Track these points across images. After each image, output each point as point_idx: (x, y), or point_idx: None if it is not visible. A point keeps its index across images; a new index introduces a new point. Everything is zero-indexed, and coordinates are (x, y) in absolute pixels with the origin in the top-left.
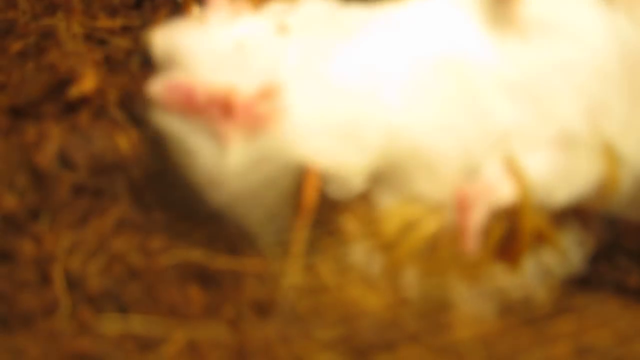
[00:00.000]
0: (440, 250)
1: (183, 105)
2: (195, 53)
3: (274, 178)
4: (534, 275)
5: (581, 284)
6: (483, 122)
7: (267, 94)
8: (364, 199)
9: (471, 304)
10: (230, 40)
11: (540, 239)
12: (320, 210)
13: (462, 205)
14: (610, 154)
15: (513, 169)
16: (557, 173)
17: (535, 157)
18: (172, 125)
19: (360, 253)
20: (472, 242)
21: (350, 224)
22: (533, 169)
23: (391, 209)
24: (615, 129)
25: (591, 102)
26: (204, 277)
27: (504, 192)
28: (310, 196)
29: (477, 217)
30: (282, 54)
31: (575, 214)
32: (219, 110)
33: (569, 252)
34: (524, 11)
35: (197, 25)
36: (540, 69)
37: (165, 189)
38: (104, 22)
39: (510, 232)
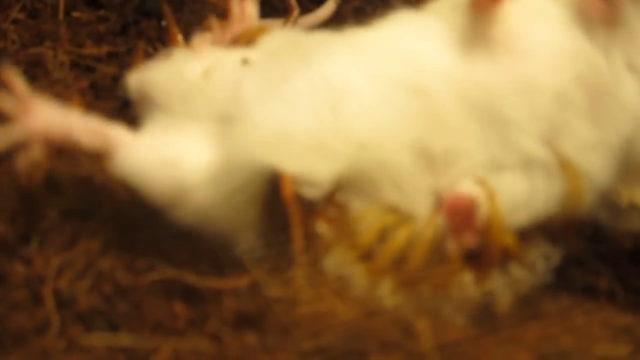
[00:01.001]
0: (412, 261)
1: None
2: (165, 85)
3: (242, 188)
4: (501, 286)
5: (550, 290)
6: (445, 140)
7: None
8: (337, 206)
9: (441, 313)
10: (197, 70)
11: (508, 253)
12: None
13: (457, 206)
14: (572, 173)
15: (484, 187)
16: (519, 195)
17: (498, 179)
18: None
19: (335, 263)
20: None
21: (325, 224)
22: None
23: (366, 218)
24: (577, 149)
25: (551, 124)
26: (188, 293)
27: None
28: (290, 197)
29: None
30: (246, 76)
31: (541, 229)
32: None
33: (535, 264)
34: (492, 29)
35: (167, 62)
36: (502, 90)
37: (150, 210)
38: (90, 49)
39: (480, 247)
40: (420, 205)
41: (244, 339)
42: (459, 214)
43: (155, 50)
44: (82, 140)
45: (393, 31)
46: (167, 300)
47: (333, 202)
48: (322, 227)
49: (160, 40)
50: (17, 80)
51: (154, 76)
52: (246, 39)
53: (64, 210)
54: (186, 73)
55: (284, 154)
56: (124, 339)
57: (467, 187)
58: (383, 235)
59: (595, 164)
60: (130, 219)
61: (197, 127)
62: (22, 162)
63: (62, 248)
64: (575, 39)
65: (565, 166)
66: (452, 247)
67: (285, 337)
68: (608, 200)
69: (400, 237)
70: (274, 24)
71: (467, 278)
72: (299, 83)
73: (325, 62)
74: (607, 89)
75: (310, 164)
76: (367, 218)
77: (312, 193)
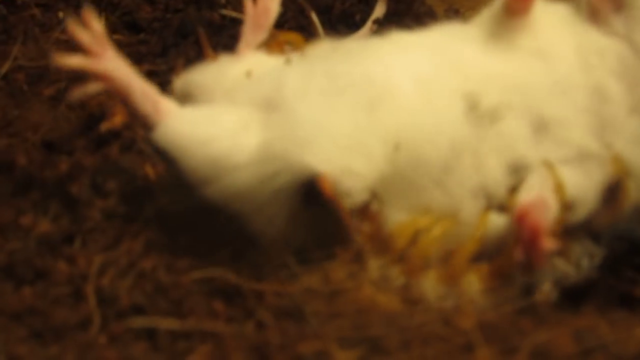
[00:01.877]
0: (453, 257)
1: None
2: (209, 84)
3: (285, 189)
4: (545, 277)
5: (590, 291)
6: (494, 141)
7: None
8: (372, 217)
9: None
10: (239, 70)
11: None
12: (332, 219)
13: (525, 215)
14: (621, 167)
15: (556, 183)
16: (579, 190)
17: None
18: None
19: (375, 268)
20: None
21: (361, 238)
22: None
23: (401, 222)
24: (625, 142)
25: (598, 118)
26: (228, 292)
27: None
28: (330, 191)
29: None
30: (286, 76)
31: (586, 228)
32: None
33: (580, 261)
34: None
35: (212, 64)
36: (543, 91)
37: (190, 213)
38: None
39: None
40: (464, 202)
41: (285, 327)
42: (528, 227)
43: None
44: (136, 99)
45: (437, 36)
46: (208, 299)
47: (368, 212)
48: (358, 239)
49: (199, 60)
50: (95, 22)
51: (199, 76)
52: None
53: (107, 212)
54: (229, 72)
55: (322, 152)
56: (164, 335)
57: (535, 192)
58: (418, 235)
59: None
60: (172, 221)
61: (243, 112)
62: (77, 94)
63: (104, 248)
64: (597, 35)
65: (614, 161)
66: (518, 255)
67: (325, 326)
68: None
69: (433, 236)
70: None
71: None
72: (340, 80)
73: (367, 60)
74: None
75: (347, 165)
76: (404, 223)
77: (348, 202)
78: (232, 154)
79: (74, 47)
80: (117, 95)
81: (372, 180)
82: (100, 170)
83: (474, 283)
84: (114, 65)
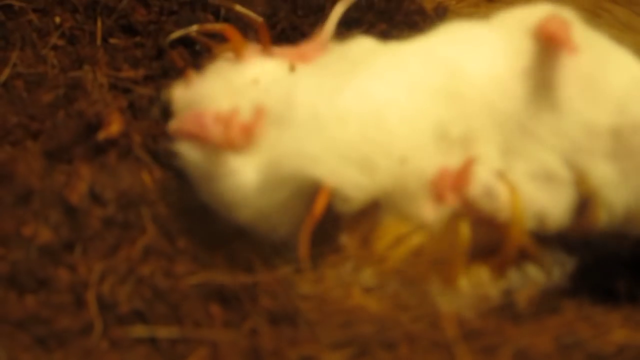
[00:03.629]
0: (424, 260)
1: (194, 132)
2: (214, 94)
3: (289, 200)
4: (518, 284)
5: (570, 289)
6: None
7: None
8: (366, 218)
9: (456, 307)
10: (246, 78)
11: (525, 253)
12: (327, 226)
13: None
14: (589, 190)
15: (507, 184)
16: (538, 204)
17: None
18: (191, 155)
19: (354, 267)
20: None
21: (349, 241)
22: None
23: (385, 227)
24: (599, 180)
25: (576, 147)
26: (225, 296)
27: (497, 202)
28: (318, 209)
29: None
30: (293, 86)
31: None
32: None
33: (551, 269)
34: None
35: (215, 72)
36: (534, 107)
37: (187, 219)
38: (127, 72)
39: (498, 244)
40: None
41: (278, 332)
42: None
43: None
44: None
45: (440, 43)
46: (204, 303)
47: (364, 218)
48: (345, 239)
49: (195, 64)
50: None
51: (203, 86)
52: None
53: (105, 220)
54: (235, 81)
55: (328, 166)
56: (163, 339)
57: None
58: (399, 240)
59: (617, 195)
60: (169, 228)
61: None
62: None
63: (104, 255)
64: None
65: (582, 181)
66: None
67: (317, 330)
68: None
69: (415, 239)
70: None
71: (484, 273)
72: (348, 95)
73: (370, 75)
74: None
75: (351, 178)
76: (388, 227)
77: (346, 207)
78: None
79: (69, 53)
80: None
81: (373, 192)
82: (98, 179)
83: (483, 275)
84: None
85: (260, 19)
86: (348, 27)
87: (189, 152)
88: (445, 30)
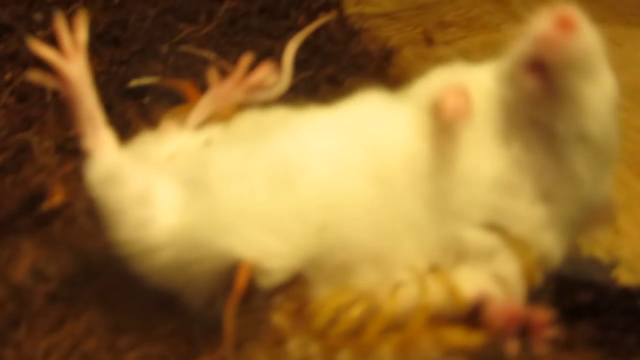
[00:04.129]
0: (369, 331)
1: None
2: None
3: (208, 273)
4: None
5: None
6: (400, 223)
7: None
8: (297, 289)
9: None
10: (163, 154)
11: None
12: (253, 300)
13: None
14: (523, 250)
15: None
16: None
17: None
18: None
19: (295, 346)
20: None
21: (282, 316)
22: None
23: (321, 300)
24: (527, 231)
25: (496, 210)
26: None
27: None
28: (240, 285)
29: None
30: (207, 158)
31: None
32: None
33: None
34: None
35: (135, 147)
36: (449, 181)
37: (130, 292)
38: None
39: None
40: (390, 279)
41: None
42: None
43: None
44: (81, 114)
45: (354, 112)
46: None
47: (292, 292)
48: (279, 319)
49: (143, 118)
50: (82, 31)
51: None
52: (221, 118)
53: (49, 295)
54: (154, 153)
55: (241, 235)
56: None
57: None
58: (338, 315)
59: (549, 241)
60: (113, 301)
61: (170, 188)
62: (35, 76)
63: (49, 331)
64: (513, 124)
65: (514, 245)
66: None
67: None
68: (568, 254)
69: (354, 313)
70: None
71: (426, 343)
72: (259, 162)
73: (284, 140)
74: (553, 165)
75: (267, 247)
76: (323, 302)
77: (268, 281)
78: (149, 227)
79: (19, 111)
80: (66, 102)
81: (295, 261)
82: (42, 254)
83: (386, 355)
84: (78, 75)
85: (212, 55)
86: (296, 70)
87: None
88: (362, 101)
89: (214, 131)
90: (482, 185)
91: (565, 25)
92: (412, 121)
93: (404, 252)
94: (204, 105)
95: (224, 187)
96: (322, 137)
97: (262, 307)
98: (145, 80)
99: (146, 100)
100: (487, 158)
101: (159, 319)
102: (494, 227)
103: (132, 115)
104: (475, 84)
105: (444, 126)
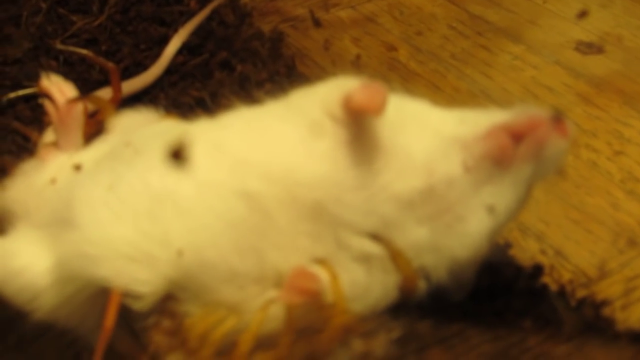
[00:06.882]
0: (239, 348)
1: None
2: (21, 198)
3: (86, 301)
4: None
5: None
6: (276, 238)
7: None
8: (171, 315)
9: None
10: (44, 179)
11: (349, 329)
12: (127, 325)
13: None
14: (404, 262)
15: (326, 267)
16: (357, 287)
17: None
18: None
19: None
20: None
21: (160, 335)
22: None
23: (194, 317)
24: (410, 248)
25: (383, 221)
26: None
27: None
28: (110, 317)
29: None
30: (79, 181)
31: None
32: None
33: (377, 337)
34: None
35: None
36: (338, 190)
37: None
38: None
39: (319, 324)
40: (255, 297)
41: None
42: (299, 287)
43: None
44: None
45: (222, 131)
46: None
47: (166, 311)
48: (157, 338)
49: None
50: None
51: (11, 191)
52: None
53: None
54: (35, 183)
55: (109, 265)
56: None
57: (309, 266)
58: (209, 332)
59: (435, 256)
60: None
61: (40, 233)
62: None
63: None
64: (435, 153)
65: (396, 256)
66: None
67: None
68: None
69: (223, 329)
70: (104, 93)
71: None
72: (123, 189)
73: (147, 165)
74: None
75: (133, 274)
76: (195, 319)
77: (139, 305)
78: (36, 281)
79: None
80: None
81: (161, 286)
82: None
83: None
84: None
85: (111, 64)
86: (190, 56)
87: None
88: (238, 120)
89: (85, 154)
90: (382, 196)
91: (563, 130)
92: (298, 134)
93: (271, 267)
94: (56, 132)
95: (89, 218)
96: (193, 164)
97: (140, 328)
98: (25, 92)
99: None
100: (386, 168)
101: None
102: (379, 238)
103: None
104: None
105: (349, 127)
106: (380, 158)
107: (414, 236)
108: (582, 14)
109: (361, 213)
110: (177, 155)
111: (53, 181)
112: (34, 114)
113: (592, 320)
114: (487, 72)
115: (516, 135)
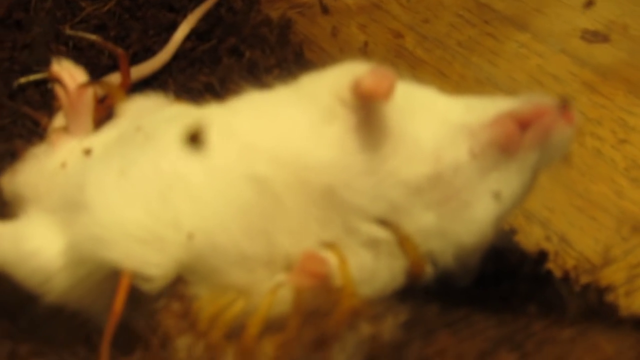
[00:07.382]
0: (249, 330)
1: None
2: (32, 182)
3: (98, 284)
4: (351, 344)
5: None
6: (286, 223)
7: None
8: (180, 298)
9: None
10: (55, 163)
11: (357, 313)
12: (138, 307)
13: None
14: (412, 247)
15: (335, 251)
16: (365, 271)
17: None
18: None
19: (181, 346)
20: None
21: (169, 317)
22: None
23: (204, 300)
24: (417, 233)
25: (392, 206)
26: None
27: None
28: (122, 294)
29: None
30: (86, 169)
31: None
32: None
33: (385, 321)
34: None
35: (31, 160)
36: (346, 174)
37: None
38: None
39: (328, 307)
40: (264, 280)
41: None
42: (309, 270)
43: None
44: None
45: (232, 116)
46: None
47: (176, 294)
48: (167, 320)
49: (45, 107)
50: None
51: (22, 176)
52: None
53: None
54: (46, 167)
55: (119, 248)
56: None
57: (318, 250)
58: (219, 314)
59: (434, 246)
60: (10, 307)
61: (51, 216)
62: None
63: None
64: (445, 140)
65: (404, 241)
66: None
67: None
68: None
69: (232, 312)
70: (113, 79)
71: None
72: (134, 172)
73: (158, 150)
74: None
75: (143, 257)
76: (204, 302)
77: (149, 287)
78: (48, 264)
79: None
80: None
81: (171, 269)
82: None
83: (267, 354)
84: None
85: (120, 50)
86: (198, 42)
87: None
88: (248, 104)
89: (95, 139)
90: (390, 182)
91: (569, 118)
92: (308, 119)
93: (280, 251)
94: (66, 117)
95: (100, 201)
96: (203, 149)
97: (151, 311)
98: (35, 77)
99: (49, 86)
100: (394, 154)
101: (62, 324)
102: (387, 223)
103: (36, 101)
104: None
105: (358, 113)
106: (389, 144)
107: (422, 222)
108: (589, 3)
109: (370, 198)
110: (195, 138)
111: (63, 165)
112: (44, 98)
113: (595, 306)
114: (493, 60)
115: (522, 123)
